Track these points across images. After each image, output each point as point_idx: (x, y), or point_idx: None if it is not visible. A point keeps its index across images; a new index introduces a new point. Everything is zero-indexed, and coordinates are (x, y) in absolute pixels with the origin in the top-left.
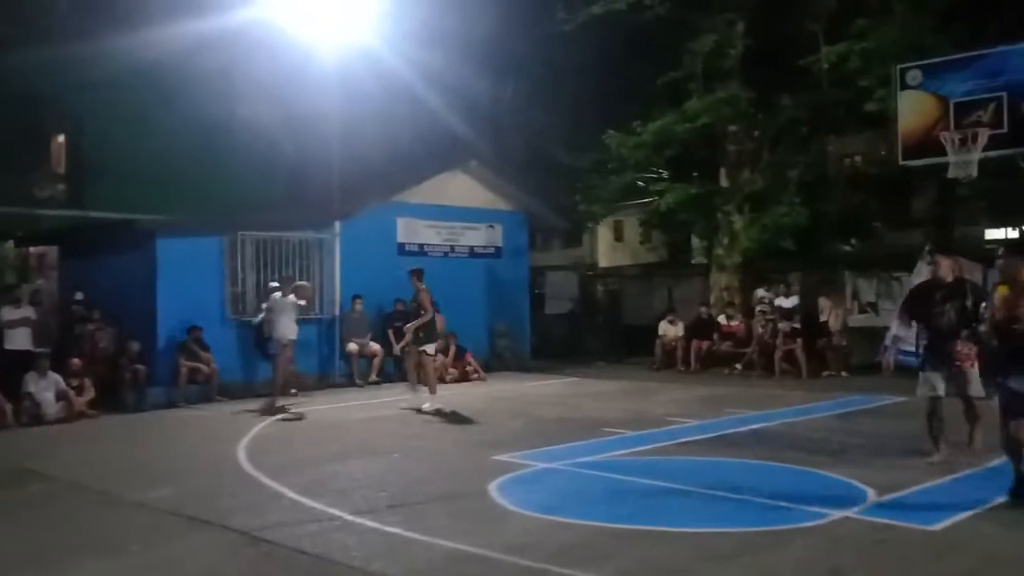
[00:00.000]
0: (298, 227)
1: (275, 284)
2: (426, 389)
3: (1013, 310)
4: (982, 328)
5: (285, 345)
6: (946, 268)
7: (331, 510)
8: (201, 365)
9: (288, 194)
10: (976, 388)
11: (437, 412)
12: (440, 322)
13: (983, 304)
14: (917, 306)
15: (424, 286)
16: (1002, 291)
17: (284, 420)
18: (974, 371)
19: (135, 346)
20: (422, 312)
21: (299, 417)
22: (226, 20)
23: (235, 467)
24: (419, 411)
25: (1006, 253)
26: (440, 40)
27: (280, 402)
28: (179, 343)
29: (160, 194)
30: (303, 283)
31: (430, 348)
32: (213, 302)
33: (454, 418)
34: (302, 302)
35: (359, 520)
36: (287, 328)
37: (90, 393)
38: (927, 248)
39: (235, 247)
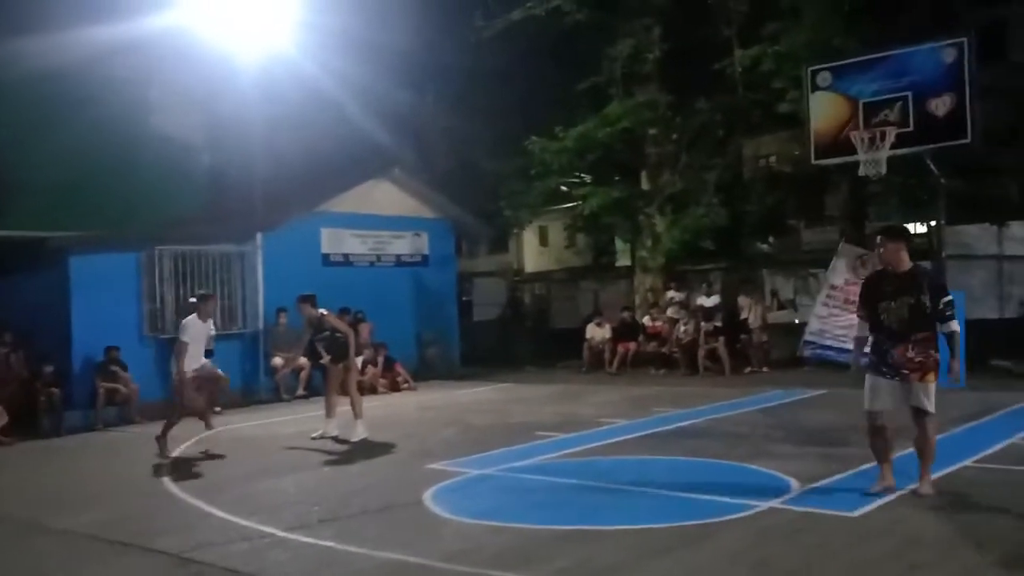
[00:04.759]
0: (218, 240)
1: (195, 299)
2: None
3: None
4: (952, 326)
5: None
6: (894, 254)
7: (262, 527)
8: (119, 386)
9: (207, 206)
10: (928, 401)
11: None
12: (367, 331)
13: (946, 298)
14: (869, 299)
15: (321, 310)
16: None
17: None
18: (926, 383)
19: (49, 369)
20: (339, 335)
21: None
22: (141, 26)
23: (160, 488)
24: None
25: (885, 239)
26: (360, 48)
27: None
28: (96, 364)
29: (72, 209)
30: None
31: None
32: (130, 320)
33: (386, 429)
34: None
35: (292, 536)
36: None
37: (3, 419)
38: (841, 243)
39: (152, 262)
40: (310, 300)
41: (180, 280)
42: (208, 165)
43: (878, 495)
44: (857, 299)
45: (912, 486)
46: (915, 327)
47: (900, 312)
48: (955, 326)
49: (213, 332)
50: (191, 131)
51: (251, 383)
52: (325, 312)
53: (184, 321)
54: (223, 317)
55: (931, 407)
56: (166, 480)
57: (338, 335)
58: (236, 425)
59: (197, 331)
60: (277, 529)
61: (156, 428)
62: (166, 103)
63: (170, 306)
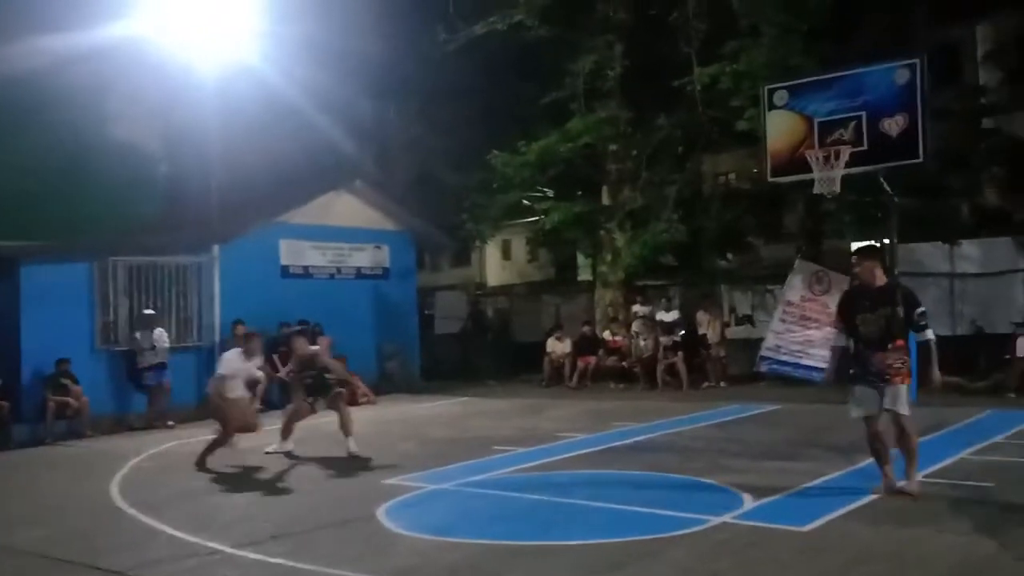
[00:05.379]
0: (174, 251)
1: (150, 311)
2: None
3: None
4: (928, 335)
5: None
6: (869, 272)
7: (211, 544)
8: (70, 399)
9: (164, 217)
10: (903, 405)
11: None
12: (326, 344)
13: (920, 309)
14: (846, 313)
15: (313, 347)
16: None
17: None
18: (904, 387)
19: None
20: (329, 376)
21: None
22: (98, 34)
23: (108, 505)
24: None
25: (860, 259)
26: (323, 59)
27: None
28: (46, 377)
29: (24, 218)
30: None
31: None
32: (82, 332)
33: (342, 443)
34: None
35: (241, 553)
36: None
37: None
38: (797, 258)
39: (106, 274)
40: (305, 335)
41: (135, 292)
42: (165, 175)
43: (835, 507)
44: (814, 315)
45: (872, 496)
46: (892, 336)
47: (879, 322)
48: (930, 335)
49: (259, 374)
50: (149, 140)
51: (206, 397)
52: (320, 349)
53: (224, 354)
54: (178, 330)
55: (907, 410)
56: (115, 496)
57: (328, 376)
58: (188, 440)
59: (235, 366)
60: (226, 546)
61: (105, 443)
62: (124, 112)
63: (124, 318)
